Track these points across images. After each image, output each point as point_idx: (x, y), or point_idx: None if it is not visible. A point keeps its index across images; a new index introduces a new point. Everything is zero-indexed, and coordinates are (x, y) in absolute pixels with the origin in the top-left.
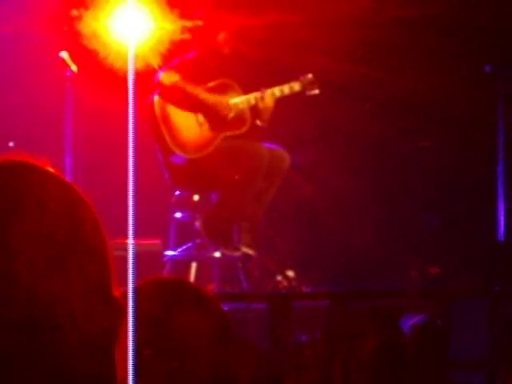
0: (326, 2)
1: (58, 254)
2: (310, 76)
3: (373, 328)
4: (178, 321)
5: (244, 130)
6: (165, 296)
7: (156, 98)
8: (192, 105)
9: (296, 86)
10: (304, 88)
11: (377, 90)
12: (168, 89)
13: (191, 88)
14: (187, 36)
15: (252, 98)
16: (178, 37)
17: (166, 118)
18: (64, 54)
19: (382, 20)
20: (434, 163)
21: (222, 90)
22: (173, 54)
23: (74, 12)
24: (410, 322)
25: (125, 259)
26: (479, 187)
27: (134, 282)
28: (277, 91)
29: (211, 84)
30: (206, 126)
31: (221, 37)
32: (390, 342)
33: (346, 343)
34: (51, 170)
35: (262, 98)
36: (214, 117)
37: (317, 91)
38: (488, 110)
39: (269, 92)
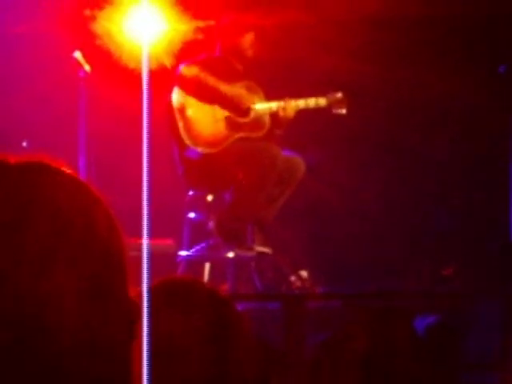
0: (342, 3)
1: (71, 255)
2: (339, 95)
3: (364, 329)
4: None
5: (260, 134)
6: (178, 297)
7: (175, 91)
8: (212, 96)
9: (322, 102)
10: (330, 105)
11: (391, 89)
12: (189, 80)
13: (212, 80)
14: (200, 36)
15: (274, 105)
16: (191, 37)
17: (182, 112)
18: (77, 54)
19: (396, 20)
20: (446, 163)
21: (247, 91)
22: (188, 54)
23: (88, 12)
24: (423, 323)
25: (138, 259)
26: (491, 187)
27: (148, 282)
28: (301, 103)
29: (237, 85)
30: (222, 124)
31: (246, 38)
32: (382, 344)
33: (335, 344)
34: (66, 169)
35: (285, 108)
36: (233, 112)
37: (344, 111)
38: (501, 109)
39: (292, 103)
